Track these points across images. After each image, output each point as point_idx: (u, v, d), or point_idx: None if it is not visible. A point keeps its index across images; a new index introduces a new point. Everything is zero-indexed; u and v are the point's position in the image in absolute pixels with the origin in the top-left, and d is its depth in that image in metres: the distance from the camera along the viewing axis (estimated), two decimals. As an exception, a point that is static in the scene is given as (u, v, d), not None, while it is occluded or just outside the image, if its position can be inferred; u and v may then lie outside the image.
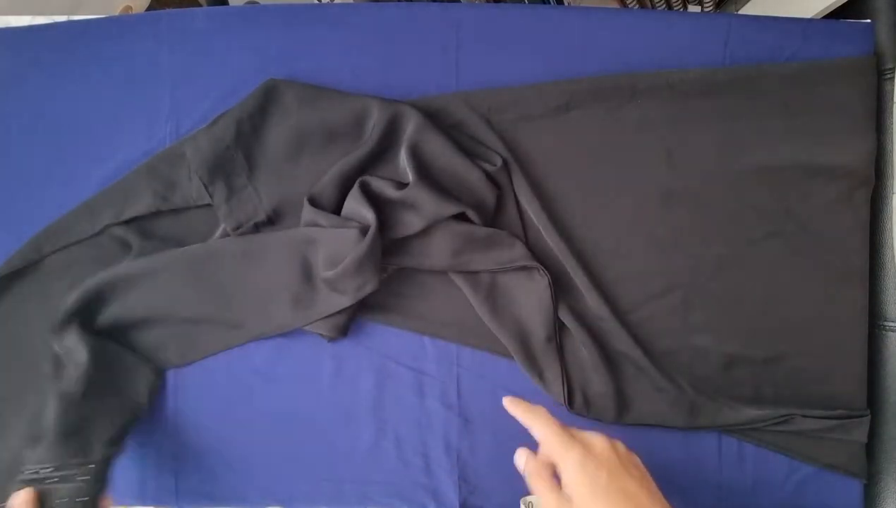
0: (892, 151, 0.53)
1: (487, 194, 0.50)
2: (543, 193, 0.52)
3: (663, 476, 0.53)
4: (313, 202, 0.50)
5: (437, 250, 0.50)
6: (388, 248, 0.50)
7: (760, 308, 0.53)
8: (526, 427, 0.41)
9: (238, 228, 0.52)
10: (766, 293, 0.53)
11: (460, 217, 0.50)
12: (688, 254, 0.53)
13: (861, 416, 0.51)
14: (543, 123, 0.53)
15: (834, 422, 0.50)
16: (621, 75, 0.53)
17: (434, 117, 0.51)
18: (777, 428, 0.51)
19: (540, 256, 0.52)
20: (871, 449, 0.53)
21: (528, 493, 0.42)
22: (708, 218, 0.53)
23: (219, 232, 0.53)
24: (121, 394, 0.51)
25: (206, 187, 0.51)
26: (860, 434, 0.51)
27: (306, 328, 0.51)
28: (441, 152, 0.50)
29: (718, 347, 0.52)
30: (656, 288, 0.53)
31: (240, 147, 0.52)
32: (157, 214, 0.53)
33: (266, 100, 0.52)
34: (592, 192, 0.53)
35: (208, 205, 0.53)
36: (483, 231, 0.50)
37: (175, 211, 0.53)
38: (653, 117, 0.53)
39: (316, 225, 0.50)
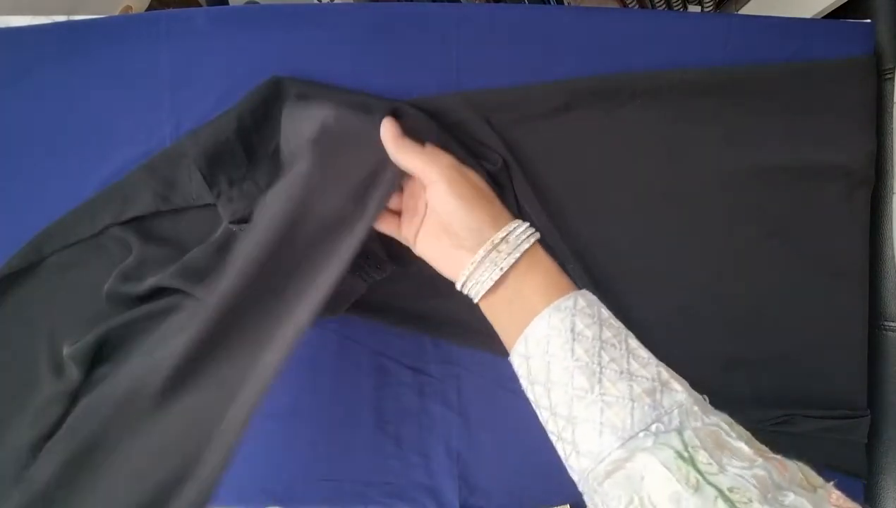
0: (892, 151, 0.53)
1: None
2: (543, 193, 0.52)
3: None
4: None
5: None
6: (390, 251, 0.50)
7: (760, 308, 0.53)
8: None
9: (239, 220, 0.52)
10: (766, 293, 0.53)
11: None
12: (688, 254, 0.53)
13: (861, 416, 0.51)
14: (543, 123, 0.53)
15: (834, 422, 0.50)
16: (621, 75, 0.53)
17: (434, 117, 0.51)
18: (777, 429, 0.51)
19: None
20: (871, 449, 0.53)
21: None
22: (708, 218, 0.53)
23: (220, 230, 0.53)
24: None
25: (205, 178, 0.51)
26: (860, 434, 0.51)
27: None
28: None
29: (718, 347, 0.52)
30: (656, 289, 0.53)
31: (240, 140, 0.52)
32: (157, 214, 0.53)
33: (268, 96, 0.52)
34: (592, 192, 0.53)
35: (208, 206, 0.53)
36: None
37: (175, 211, 0.53)
38: (653, 117, 0.53)
39: None
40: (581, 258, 0.52)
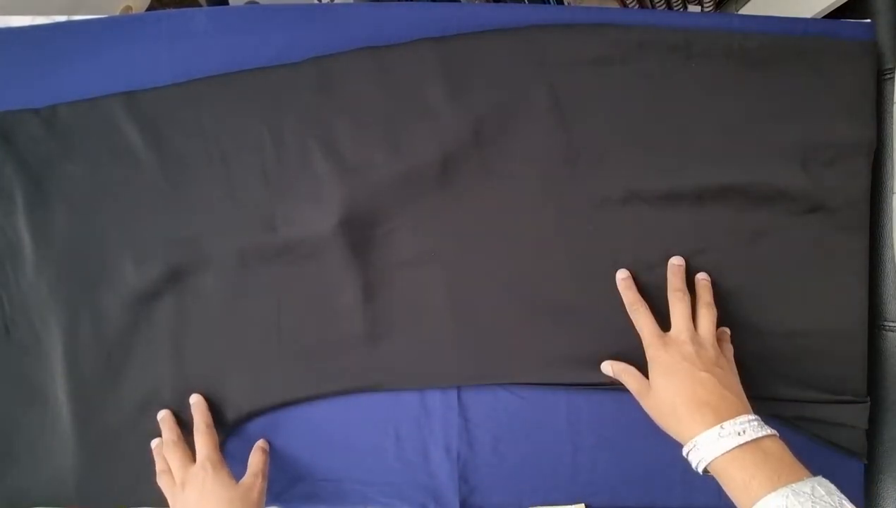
0: (892, 151, 0.53)
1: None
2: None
3: (663, 477, 0.53)
4: None
5: None
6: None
7: (766, 285, 0.53)
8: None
9: None
10: (769, 271, 0.53)
11: None
12: (719, 220, 0.53)
13: (861, 402, 0.51)
14: (592, 70, 0.53)
15: (834, 407, 0.51)
16: (679, 32, 0.53)
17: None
18: (778, 412, 0.51)
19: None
20: (872, 450, 0.53)
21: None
22: (728, 197, 0.52)
23: None
24: None
25: None
26: (860, 420, 0.51)
27: None
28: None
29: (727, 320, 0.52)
30: (689, 245, 0.53)
31: None
32: None
33: None
34: (629, 147, 0.53)
35: None
36: None
37: None
38: (703, 82, 0.53)
39: None
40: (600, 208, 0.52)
